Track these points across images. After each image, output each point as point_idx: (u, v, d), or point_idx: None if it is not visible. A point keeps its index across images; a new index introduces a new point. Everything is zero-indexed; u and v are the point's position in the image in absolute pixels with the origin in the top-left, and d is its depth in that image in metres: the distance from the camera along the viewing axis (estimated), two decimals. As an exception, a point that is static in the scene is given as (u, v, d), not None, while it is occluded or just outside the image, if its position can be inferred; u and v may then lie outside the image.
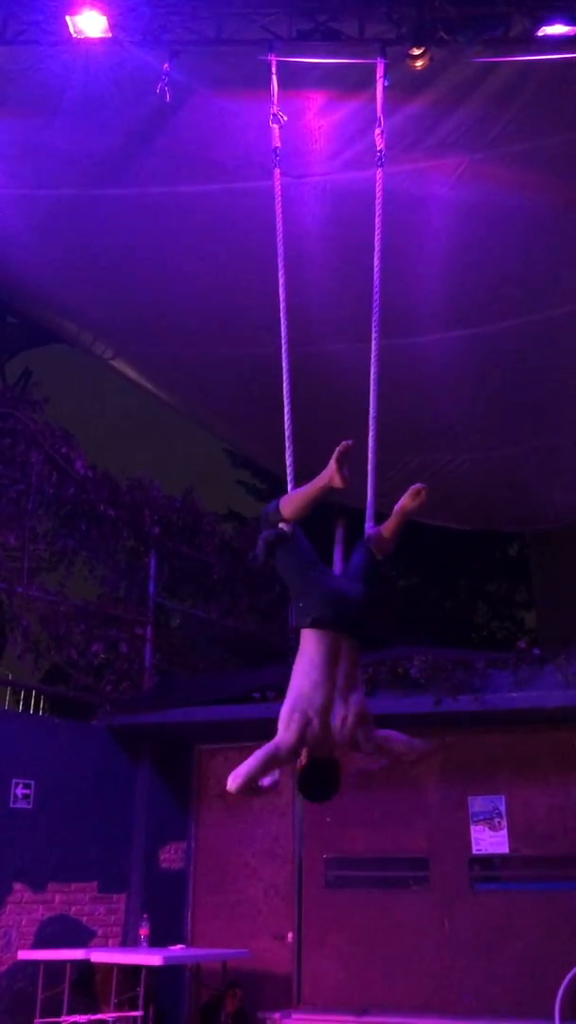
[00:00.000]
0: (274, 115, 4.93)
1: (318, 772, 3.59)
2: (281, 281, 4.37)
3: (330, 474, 3.65)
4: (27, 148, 6.15)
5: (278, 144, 4.85)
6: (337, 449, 3.63)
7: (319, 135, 5.86)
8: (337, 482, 3.66)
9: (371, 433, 4.18)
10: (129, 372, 8.62)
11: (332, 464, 3.64)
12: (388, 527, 3.92)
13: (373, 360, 4.26)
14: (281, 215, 4.56)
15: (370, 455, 4.13)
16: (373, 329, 4.31)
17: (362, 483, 4.07)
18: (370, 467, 4.10)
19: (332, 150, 5.93)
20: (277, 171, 4.76)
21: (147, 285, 7.12)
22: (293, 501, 3.78)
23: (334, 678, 3.58)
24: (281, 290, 4.37)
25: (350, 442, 3.62)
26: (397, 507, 3.91)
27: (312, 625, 3.64)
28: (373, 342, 4.28)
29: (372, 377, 4.25)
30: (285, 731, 3.54)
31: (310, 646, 3.63)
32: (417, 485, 3.88)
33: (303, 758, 3.58)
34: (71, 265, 7.11)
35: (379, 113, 4.92)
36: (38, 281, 7.50)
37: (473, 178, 6.01)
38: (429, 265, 6.56)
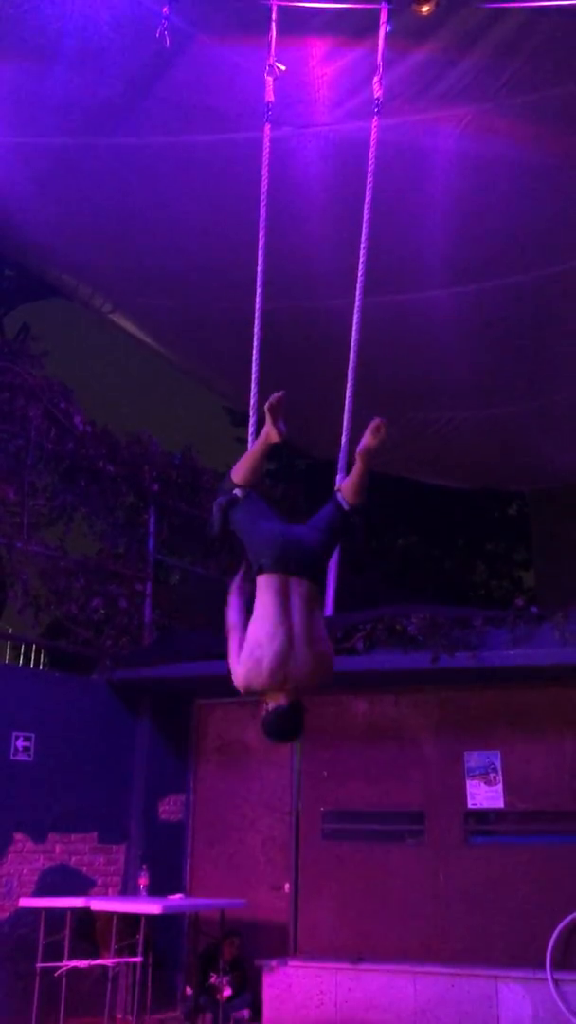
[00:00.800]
0: (270, 66, 4.71)
1: (280, 712, 3.53)
2: (261, 241, 4.30)
3: (267, 430, 3.64)
4: (24, 95, 6.02)
5: (271, 98, 4.70)
6: (268, 402, 3.59)
7: (322, 84, 5.72)
8: (274, 436, 3.65)
9: (348, 386, 4.11)
10: (128, 326, 8.54)
11: (267, 419, 3.61)
12: (353, 471, 3.77)
13: (356, 311, 4.19)
14: (267, 173, 4.43)
15: (346, 409, 4.06)
16: (358, 280, 4.23)
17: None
18: (345, 420, 4.03)
19: (336, 99, 5.80)
20: (268, 126, 4.62)
21: (147, 237, 7.02)
22: (240, 465, 3.80)
23: (289, 622, 3.53)
24: (260, 252, 4.30)
25: (282, 393, 3.59)
26: (360, 447, 3.72)
27: (260, 571, 3.61)
28: (357, 292, 4.20)
29: (354, 328, 4.18)
30: (234, 667, 3.53)
31: (261, 593, 3.60)
32: (377, 420, 3.69)
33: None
34: (69, 216, 7.00)
35: (379, 60, 4.78)
36: (35, 232, 7.39)
37: (479, 129, 5.88)
38: (434, 219, 6.46)
